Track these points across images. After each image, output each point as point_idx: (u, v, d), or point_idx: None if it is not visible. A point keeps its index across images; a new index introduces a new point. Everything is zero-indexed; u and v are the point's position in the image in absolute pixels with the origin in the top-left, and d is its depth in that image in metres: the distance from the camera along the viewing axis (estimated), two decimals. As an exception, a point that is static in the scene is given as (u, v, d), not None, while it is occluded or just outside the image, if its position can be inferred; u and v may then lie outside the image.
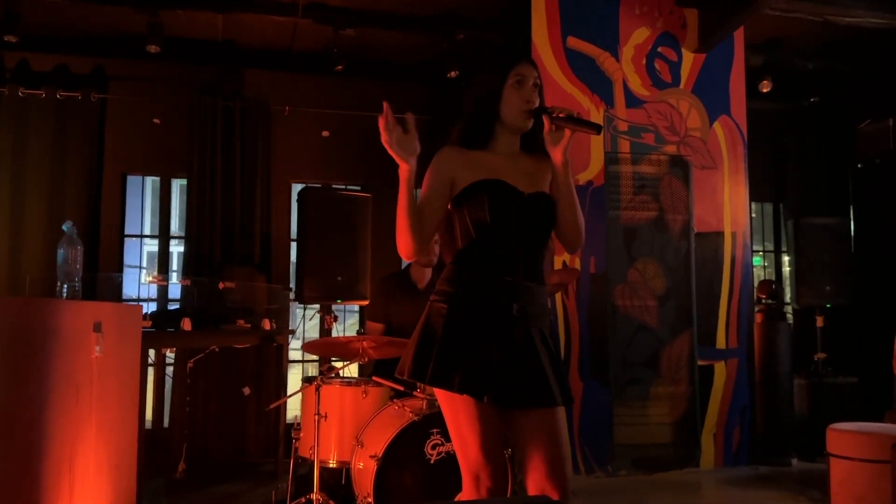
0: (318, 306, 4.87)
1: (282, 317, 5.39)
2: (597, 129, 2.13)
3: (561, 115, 2.10)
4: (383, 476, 3.04)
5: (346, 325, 6.89)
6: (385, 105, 2.11)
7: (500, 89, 2.15)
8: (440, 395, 2.10)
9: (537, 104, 2.17)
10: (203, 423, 5.37)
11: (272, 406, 4.35)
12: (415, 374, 2.08)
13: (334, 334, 4.43)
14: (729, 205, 5.25)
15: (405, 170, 2.10)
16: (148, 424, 5.02)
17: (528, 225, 2.15)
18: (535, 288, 2.15)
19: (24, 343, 2.23)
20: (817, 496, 4.18)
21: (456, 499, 2.14)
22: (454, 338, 2.06)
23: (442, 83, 5.86)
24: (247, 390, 5.32)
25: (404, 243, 2.10)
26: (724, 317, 5.16)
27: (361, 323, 6.19)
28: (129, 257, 6.20)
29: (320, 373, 3.81)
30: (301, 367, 6.85)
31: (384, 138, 2.09)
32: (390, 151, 2.11)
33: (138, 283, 6.11)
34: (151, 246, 7.75)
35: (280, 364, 5.12)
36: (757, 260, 7.07)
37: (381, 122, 2.09)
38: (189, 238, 5.66)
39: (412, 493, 3.07)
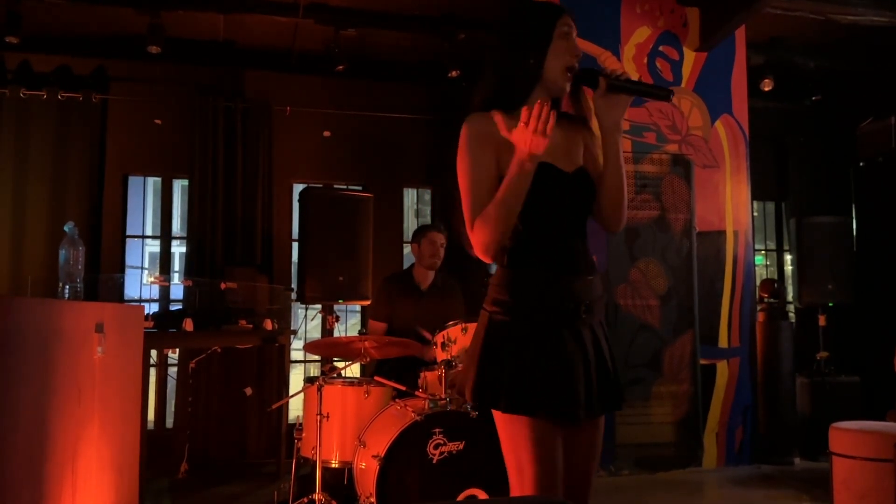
0: (319, 306, 4.87)
1: (283, 317, 5.39)
2: (668, 94, 1.84)
3: (622, 78, 1.83)
4: (385, 476, 3.03)
5: (348, 325, 6.90)
6: (542, 105, 1.70)
7: (549, 39, 1.86)
8: (497, 416, 1.84)
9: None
10: (205, 423, 5.37)
11: (274, 406, 4.35)
12: (485, 401, 1.82)
13: (336, 334, 4.43)
14: (731, 204, 5.25)
15: (528, 163, 1.76)
16: (150, 425, 5.03)
17: (576, 210, 1.92)
18: (594, 280, 1.91)
19: (26, 344, 2.23)
20: (820, 495, 4.18)
21: None
22: (525, 356, 1.80)
23: (443, 83, 5.86)
24: (249, 391, 5.32)
25: (496, 240, 1.80)
26: (726, 316, 5.16)
27: (363, 323, 6.20)
28: (131, 258, 6.21)
29: (322, 373, 3.81)
30: (303, 368, 6.85)
31: (535, 136, 1.70)
32: (526, 146, 1.72)
33: (140, 283, 6.11)
34: (153, 246, 7.76)
35: (282, 364, 5.13)
36: (759, 259, 7.06)
37: (539, 125, 1.69)
38: (190, 238, 5.67)
39: (414, 493, 3.07)
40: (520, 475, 1.80)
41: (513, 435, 1.81)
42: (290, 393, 4.39)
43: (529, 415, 1.77)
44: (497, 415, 1.84)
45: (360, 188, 6.09)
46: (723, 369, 5.11)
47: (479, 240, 1.81)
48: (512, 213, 1.79)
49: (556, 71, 1.87)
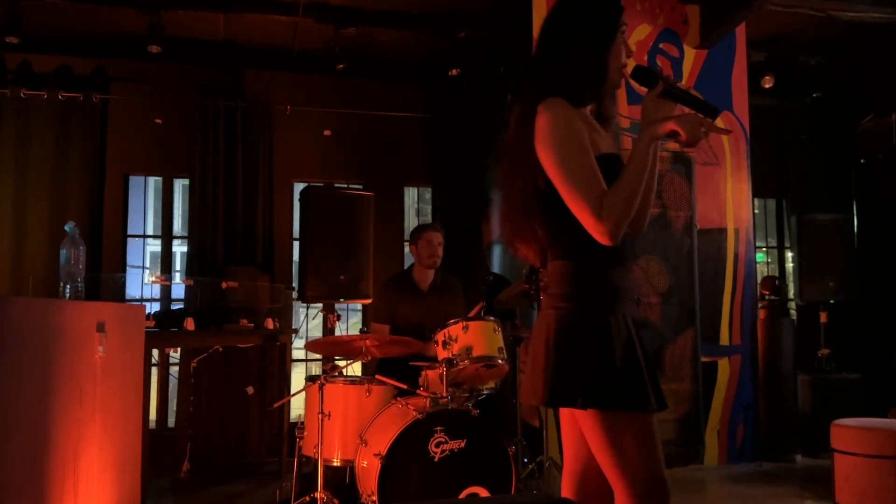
0: (320, 305, 4.87)
1: (285, 316, 5.39)
2: (715, 112, 1.83)
3: (680, 86, 1.83)
4: (387, 474, 3.04)
5: (350, 323, 6.90)
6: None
7: (614, 36, 1.84)
8: (599, 415, 1.75)
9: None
10: (207, 422, 5.37)
11: (276, 405, 4.36)
12: (593, 401, 1.73)
13: (337, 333, 4.43)
14: (731, 201, 5.24)
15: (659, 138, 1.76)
16: (152, 424, 5.03)
17: None
18: None
19: (28, 343, 2.23)
20: (821, 492, 4.18)
21: None
22: (625, 352, 1.76)
23: (443, 82, 5.86)
24: (250, 390, 5.32)
25: (627, 223, 1.73)
26: (728, 313, 5.16)
27: (364, 322, 6.20)
28: (132, 257, 6.21)
29: (324, 372, 3.82)
30: (304, 366, 6.85)
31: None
32: (693, 134, 1.72)
33: (141, 283, 6.12)
34: (154, 246, 7.76)
35: (283, 363, 5.13)
36: (760, 256, 7.06)
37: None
38: (192, 238, 5.67)
39: (416, 491, 3.07)
40: (634, 469, 1.74)
41: (630, 431, 1.75)
42: (292, 392, 4.39)
43: (645, 410, 1.75)
44: (597, 414, 1.75)
45: (360, 187, 6.09)
46: (724, 367, 5.11)
47: (613, 225, 1.70)
48: (639, 193, 1.73)
49: (616, 69, 1.86)
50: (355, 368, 4.24)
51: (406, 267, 4.58)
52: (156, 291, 5.94)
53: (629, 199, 1.71)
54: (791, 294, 6.28)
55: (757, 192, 5.93)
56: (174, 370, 5.47)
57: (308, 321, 5.18)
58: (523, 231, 1.90)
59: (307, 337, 5.78)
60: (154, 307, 5.78)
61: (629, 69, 1.89)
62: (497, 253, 5.79)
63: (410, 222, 6.65)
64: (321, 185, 6.03)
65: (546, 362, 1.79)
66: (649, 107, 1.83)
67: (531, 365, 1.87)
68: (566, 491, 1.96)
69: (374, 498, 3.04)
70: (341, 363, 3.91)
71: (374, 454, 3.08)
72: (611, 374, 1.73)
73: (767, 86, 5.87)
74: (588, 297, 1.80)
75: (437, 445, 3.12)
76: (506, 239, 1.98)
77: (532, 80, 1.89)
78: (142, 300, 6.11)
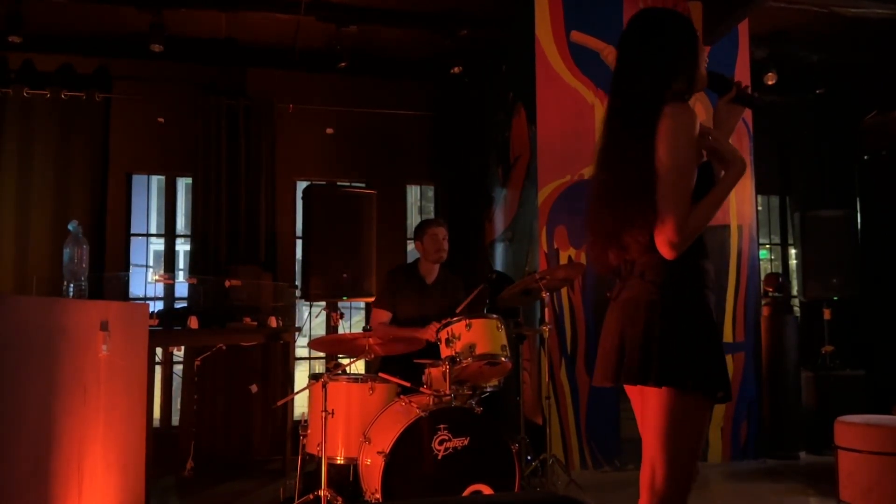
0: (323, 303, 4.88)
1: (288, 314, 5.40)
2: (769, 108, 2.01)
3: (756, 95, 1.97)
4: (390, 472, 3.04)
5: (353, 321, 6.90)
6: None
7: (697, 43, 1.98)
8: (685, 400, 1.86)
9: None
10: (211, 421, 5.38)
11: (279, 403, 4.35)
12: (687, 383, 1.84)
13: (340, 331, 4.44)
14: (735, 198, 5.22)
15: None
16: (156, 423, 5.03)
17: None
18: None
19: (31, 342, 2.23)
20: (825, 489, 4.17)
21: None
22: (716, 339, 1.91)
23: (445, 80, 5.86)
24: (254, 388, 5.33)
25: (696, 236, 1.88)
26: (731, 310, 5.15)
27: (367, 320, 6.20)
28: (136, 256, 6.23)
29: (327, 370, 3.82)
30: (308, 365, 6.86)
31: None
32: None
33: (145, 281, 6.13)
34: (157, 245, 7.78)
35: (287, 361, 5.13)
36: (763, 253, 7.04)
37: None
38: (195, 237, 5.68)
39: (419, 488, 3.08)
40: (688, 452, 1.90)
41: (698, 417, 1.88)
42: (295, 390, 4.40)
43: (721, 400, 1.88)
44: (677, 395, 1.85)
45: (363, 185, 6.09)
46: (727, 364, 5.09)
47: (687, 238, 1.83)
48: (714, 213, 1.91)
49: (703, 74, 1.99)
50: (358, 366, 4.24)
51: (411, 261, 4.58)
52: (159, 290, 5.95)
53: (705, 222, 1.87)
54: (794, 291, 6.27)
55: (760, 189, 5.91)
56: (178, 369, 5.48)
57: (311, 319, 5.19)
58: (633, 217, 1.88)
59: (310, 335, 5.79)
60: (157, 306, 5.79)
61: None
62: (499, 251, 5.79)
63: (413, 220, 6.65)
64: (324, 183, 6.03)
65: (648, 345, 1.86)
66: (722, 112, 2.01)
67: (622, 347, 1.94)
68: (644, 479, 2.03)
69: (378, 495, 3.05)
70: (344, 361, 3.92)
71: (378, 452, 3.09)
72: (719, 358, 1.89)
73: (770, 82, 5.85)
74: (689, 284, 1.90)
75: (441, 443, 3.13)
76: (609, 229, 1.96)
77: (640, 79, 1.94)
78: (145, 299, 6.12)
